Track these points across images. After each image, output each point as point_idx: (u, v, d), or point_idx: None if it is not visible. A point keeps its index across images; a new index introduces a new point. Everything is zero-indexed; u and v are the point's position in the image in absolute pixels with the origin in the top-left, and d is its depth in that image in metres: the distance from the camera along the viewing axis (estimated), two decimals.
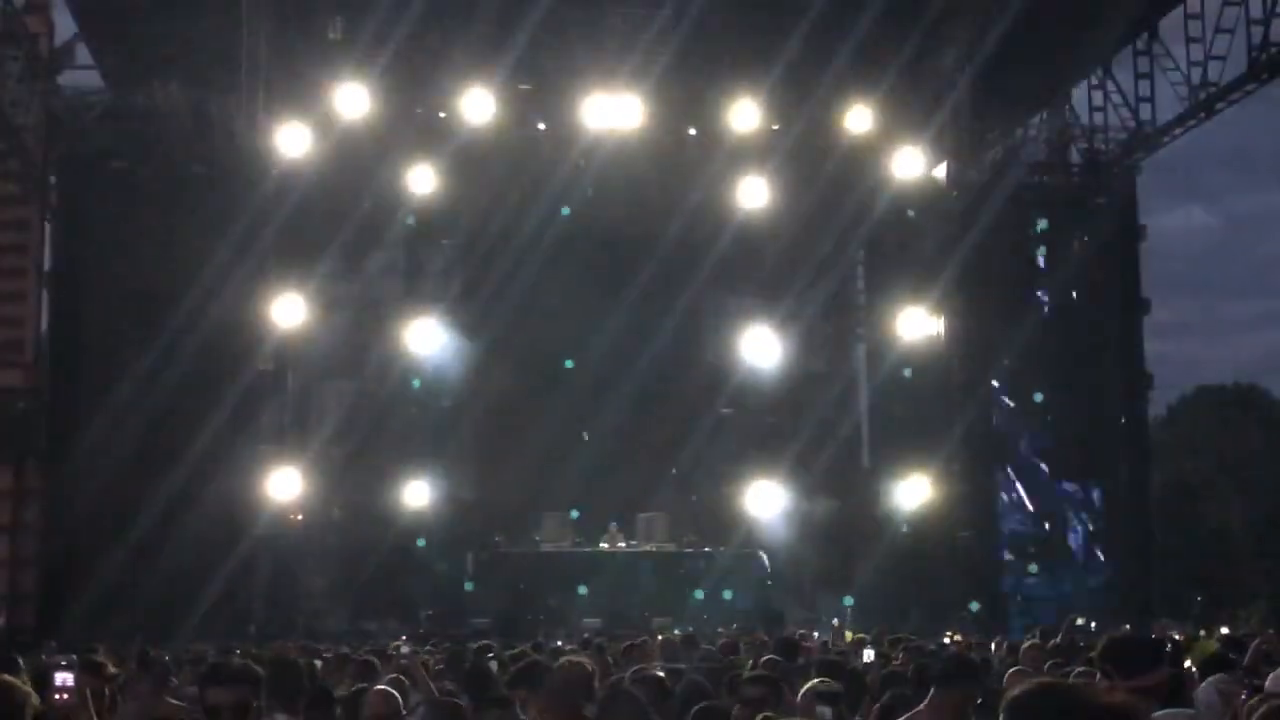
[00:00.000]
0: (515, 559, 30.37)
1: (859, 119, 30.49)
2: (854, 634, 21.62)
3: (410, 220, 31.83)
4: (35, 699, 5.56)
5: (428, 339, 31.40)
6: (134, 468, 25.73)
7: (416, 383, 31.96)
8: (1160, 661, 5.34)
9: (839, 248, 32.86)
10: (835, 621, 27.87)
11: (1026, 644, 13.14)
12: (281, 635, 24.64)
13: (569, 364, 32.09)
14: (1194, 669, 8.95)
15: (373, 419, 31.00)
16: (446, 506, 31.13)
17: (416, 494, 30.35)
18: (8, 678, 5.63)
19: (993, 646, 16.18)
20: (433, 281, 32.89)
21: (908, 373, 30.85)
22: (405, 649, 11.76)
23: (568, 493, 31.24)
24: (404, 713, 7.81)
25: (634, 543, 30.43)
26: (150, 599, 24.63)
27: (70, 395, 26.48)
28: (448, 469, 31.63)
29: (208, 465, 25.81)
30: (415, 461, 31.06)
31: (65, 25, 29.45)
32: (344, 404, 31.47)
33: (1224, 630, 24.75)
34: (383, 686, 8.19)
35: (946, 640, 20.20)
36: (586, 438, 31.62)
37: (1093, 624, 23.65)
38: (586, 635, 20.97)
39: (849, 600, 29.50)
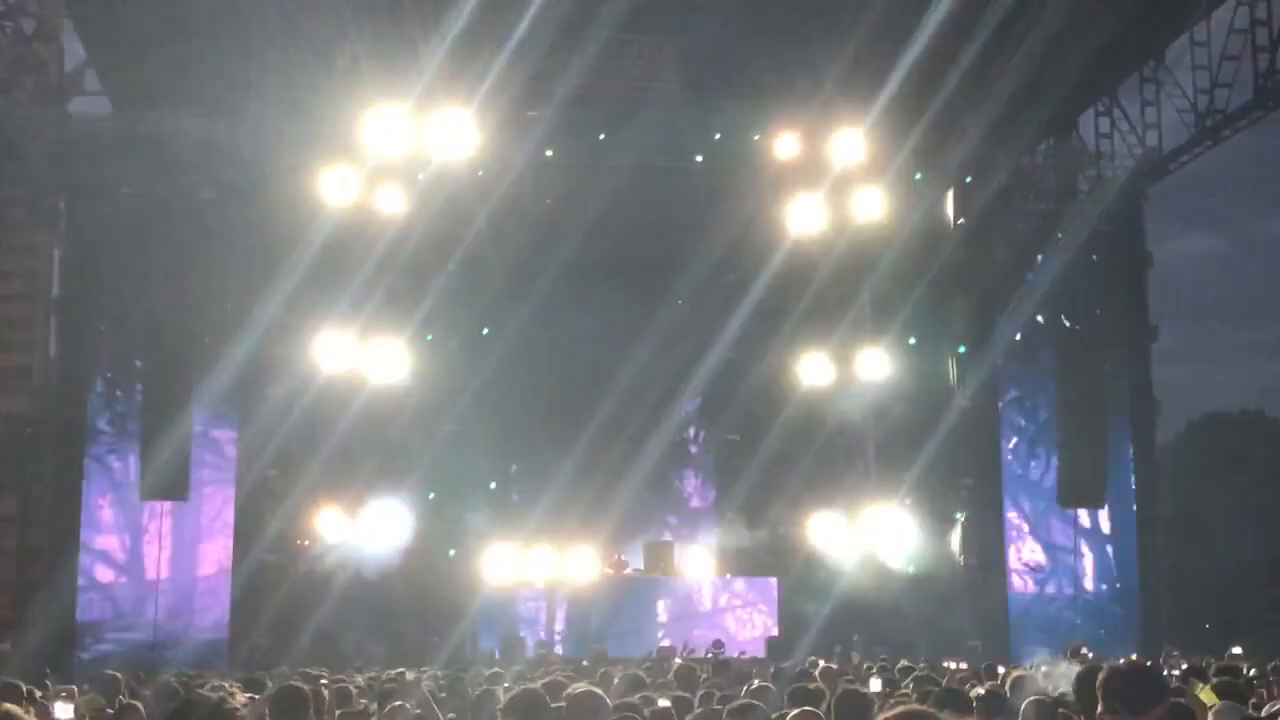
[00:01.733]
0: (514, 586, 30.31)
1: (864, 145, 30.59)
2: (861, 662, 21.57)
3: (417, 244, 31.90)
4: None
5: (437, 364, 31.46)
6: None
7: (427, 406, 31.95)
8: (1163, 695, 5.31)
9: (844, 273, 32.89)
10: (838, 648, 27.84)
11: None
12: (283, 661, 24.63)
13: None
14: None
15: (377, 443, 30.98)
16: (452, 530, 31.20)
17: (424, 519, 30.42)
18: (9, 706, 5.63)
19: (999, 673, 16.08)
20: (441, 306, 32.90)
21: (906, 401, 30.91)
22: (411, 675, 11.75)
23: (573, 520, 31.25)
24: None
25: (638, 569, 30.43)
26: (159, 626, 24.67)
27: (77, 422, 26.53)
28: (453, 494, 31.67)
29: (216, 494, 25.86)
30: (422, 486, 31.07)
31: (75, 52, 29.61)
32: (350, 428, 31.46)
33: (1236, 650, 24.66)
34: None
35: (951, 667, 20.16)
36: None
37: (1090, 654, 23.56)
38: (586, 662, 20.97)
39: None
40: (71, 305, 26.96)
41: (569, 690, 8.14)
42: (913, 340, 31.12)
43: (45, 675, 15.57)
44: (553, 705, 7.41)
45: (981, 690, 10.89)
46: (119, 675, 10.90)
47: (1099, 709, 5.00)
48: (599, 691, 7.83)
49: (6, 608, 28.04)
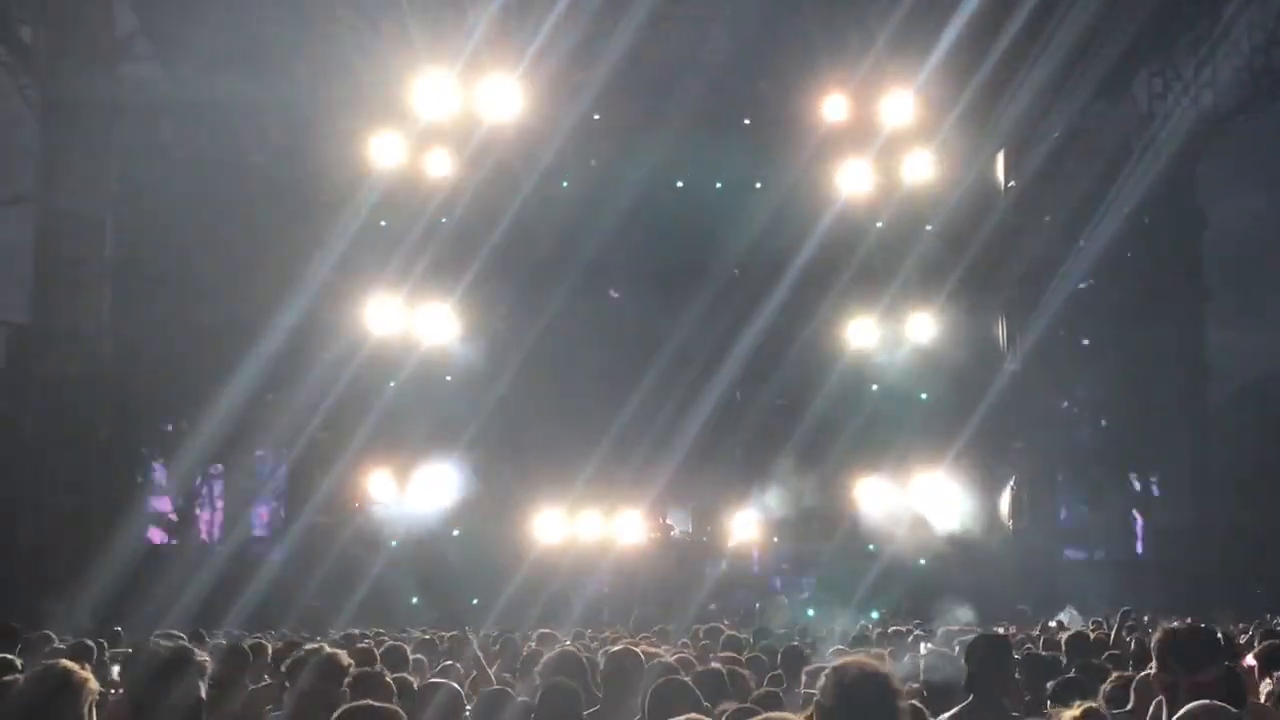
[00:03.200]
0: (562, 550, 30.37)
1: (914, 106, 30.40)
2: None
3: (465, 208, 31.99)
4: (94, 684, 5.61)
5: (486, 327, 31.58)
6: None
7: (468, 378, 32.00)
8: (1218, 655, 5.25)
9: (894, 236, 32.73)
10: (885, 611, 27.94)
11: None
12: (334, 623, 24.85)
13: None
14: (1254, 664, 8.83)
15: (427, 406, 31.12)
16: (501, 494, 31.38)
17: (474, 482, 30.64)
18: (66, 663, 5.69)
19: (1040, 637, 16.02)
20: (489, 270, 32.92)
21: (955, 364, 30.86)
22: (463, 636, 11.83)
23: (620, 484, 31.30)
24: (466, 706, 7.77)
25: (685, 533, 30.44)
26: (212, 587, 24.94)
27: (131, 384, 26.77)
28: (501, 458, 31.80)
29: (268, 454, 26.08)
30: (474, 452, 31.24)
31: (126, 18, 29.74)
32: (400, 391, 31.60)
33: None
34: (445, 683, 8.12)
35: (1001, 632, 20.07)
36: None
37: (1145, 617, 23.41)
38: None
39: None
40: (125, 268, 27.16)
41: (611, 649, 8.17)
42: (962, 304, 31.03)
43: (95, 634, 15.77)
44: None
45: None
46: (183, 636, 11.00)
47: (1154, 668, 4.94)
48: (637, 651, 7.86)
49: (60, 568, 28.41)
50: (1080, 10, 28.86)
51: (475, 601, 29.16)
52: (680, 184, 31.50)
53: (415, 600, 29.26)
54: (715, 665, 9.38)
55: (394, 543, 29.39)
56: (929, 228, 32.06)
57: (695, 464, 31.62)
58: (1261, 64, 28.30)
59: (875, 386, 32.40)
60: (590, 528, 30.69)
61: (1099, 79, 31.48)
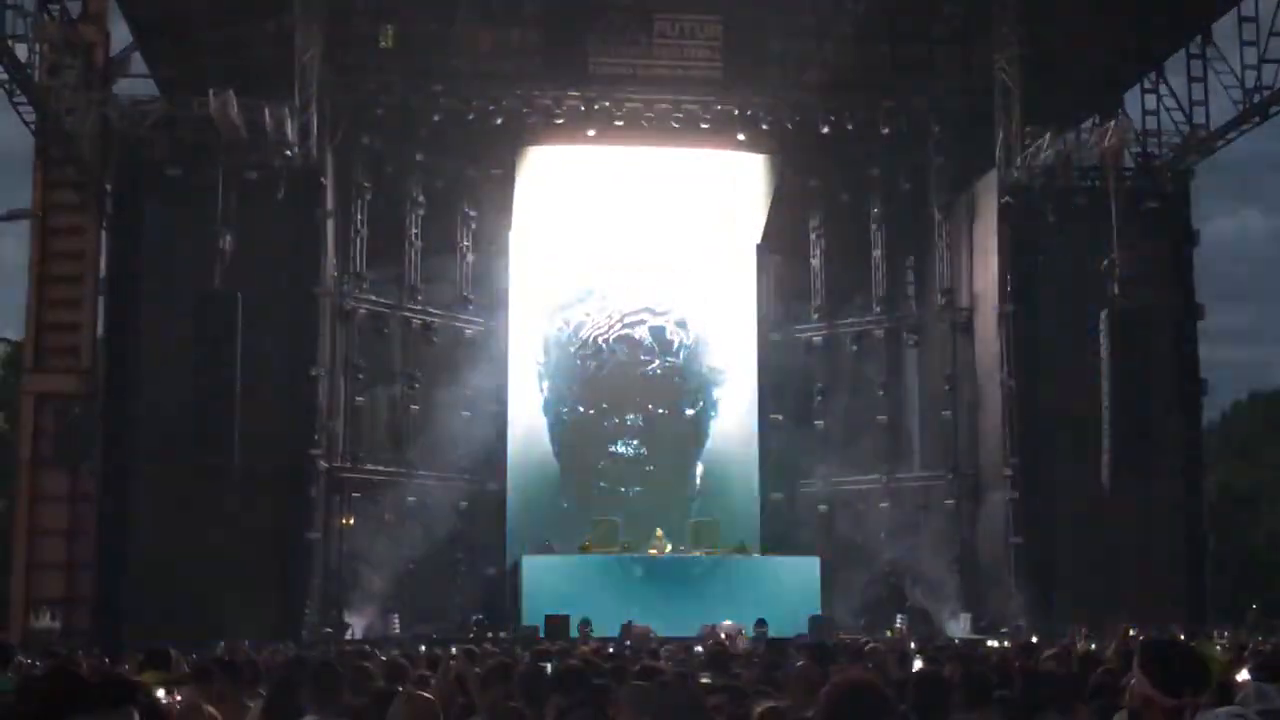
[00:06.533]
0: (565, 563, 30.35)
1: (908, 121, 30.57)
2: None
3: (466, 226, 32.16)
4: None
5: (479, 344, 31.71)
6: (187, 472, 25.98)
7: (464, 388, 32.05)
8: (1204, 676, 5.01)
9: (889, 252, 32.84)
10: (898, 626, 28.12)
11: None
12: (334, 639, 24.89)
13: None
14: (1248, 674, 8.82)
15: (423, 424, 31.16)
16: (497, 510, 31.41)
17: (467, 498, 30.70)
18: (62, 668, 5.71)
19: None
20: (485, 288, 33.00)
21: (952, 379, 31.02)
22: (455, 653, 11.82)
23: (616, 497, 31.37)
24: None
25: (682, 548, 30.41)
26: (203, 602, 24.90)
27: (125, 401, 26.75)
28: (498, 473, 31.85)
29: (261, 470, 26.07)
30: (465, 466, 31.27)
31: (121, 35, 29.83)
32: (395, 409, 31.64)
33: None
34: (417, 693, 8.06)
35: (995, 645, 20.15)
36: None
37: (1133, 630, 23.42)
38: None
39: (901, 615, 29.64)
40: (118, 286, 27.15)
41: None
42: (957, 317, 31.20)
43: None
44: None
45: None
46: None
47: (1136, 679, 4.86)
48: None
49: (56, 586, 28.37)
50: (1072, 25, 29.01)
51: (479, 617, 29.22)
52: (674, 200, 31.69)
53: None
54: (705, 679, 9.38)
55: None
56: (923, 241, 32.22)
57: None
58: (1254, 81, 28.34)
59: (872, 400, 32.53)
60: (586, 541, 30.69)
61: (1090, 94, 31.59)
